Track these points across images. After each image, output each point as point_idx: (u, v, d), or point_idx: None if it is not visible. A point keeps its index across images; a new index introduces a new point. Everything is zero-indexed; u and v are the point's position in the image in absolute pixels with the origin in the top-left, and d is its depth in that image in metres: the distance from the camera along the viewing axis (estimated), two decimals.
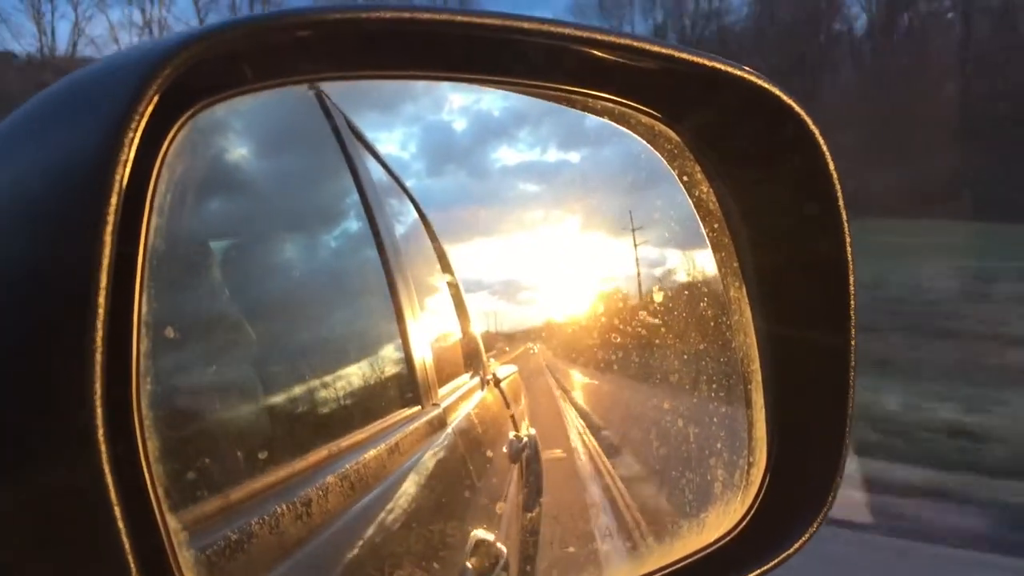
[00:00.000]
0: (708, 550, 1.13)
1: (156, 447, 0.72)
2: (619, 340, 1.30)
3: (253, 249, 1.18)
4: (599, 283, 1.42)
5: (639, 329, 1.30)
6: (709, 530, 1.17)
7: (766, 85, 1.02)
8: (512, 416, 1.54)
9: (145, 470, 0.70)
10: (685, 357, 1.30)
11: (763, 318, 1.18)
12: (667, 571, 1.09)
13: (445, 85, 1.31)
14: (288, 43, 0.79)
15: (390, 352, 1.43)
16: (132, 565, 0.66)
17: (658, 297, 1.35)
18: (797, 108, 1.02)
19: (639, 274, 1.38)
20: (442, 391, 1.50)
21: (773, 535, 1.09)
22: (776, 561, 1.04)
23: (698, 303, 1.30)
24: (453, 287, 1.53)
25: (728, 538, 1.14)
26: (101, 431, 0.67)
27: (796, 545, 1.04)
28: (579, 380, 1.43)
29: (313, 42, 0.81)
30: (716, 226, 1.22)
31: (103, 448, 0.67)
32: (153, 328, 0.74)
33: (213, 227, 1.01)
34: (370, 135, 1.47)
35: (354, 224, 1.48)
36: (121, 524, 0.67)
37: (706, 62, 1.00)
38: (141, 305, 0.72)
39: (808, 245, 1.10)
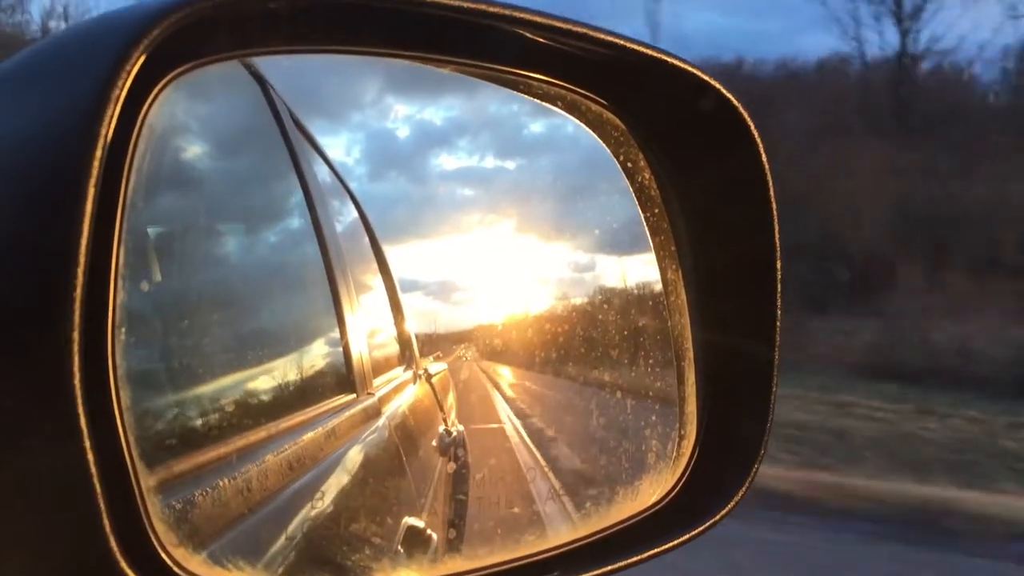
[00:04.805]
0: (641, 516, 1.15)
1: (127, 392, 0.71)
2: (556, 332, 1.32)
3: (199, 234, 1.17)
4: (532, 284, 1.44)
5: (575, 319, 1.33)
6: (643, 497, 1.19)
7: (709, 80, 1.05)
8: (442, 410, 1.54)
9: (118, 415, 0.69)
10: (626, 334, 1.32)
11: (697, 301, 1.21)
12: (603, 535, 1.10)
13: (391, 97, 1.33)
14: (263, 14, 0.79)
15: (329, 342, 1.43)
16: (102, 501, 0.65)
17: (594, 293, 1.37)
18: (738, 106, 1.06)
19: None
20: (377, 381, 1.50)
21: (700, 504, 1.12)
22: (702, 528, 1.06)
23: (636, 291, 1.33)
24: (390, 285, 1.54)
25: (659, 505, 1.17)
26: (78, 376, 0.65)
27: (721, 514, 1.07)
28: (512, 376, 1.44)
29: (283, 15, 0.81)
30: (656, 211, 1.24)
31: (79, 392, 0.65)
32: (128, 280, 0.73)
33: (185, 200, 1.00)
34: (318, 139, 1.48)
35: (297, 221, 1.48)
36: (94, 468, 0.66)
37: (652, 52, 1.03)
38: (119, 257, 0.71)
39: (741, 235, 1.14)
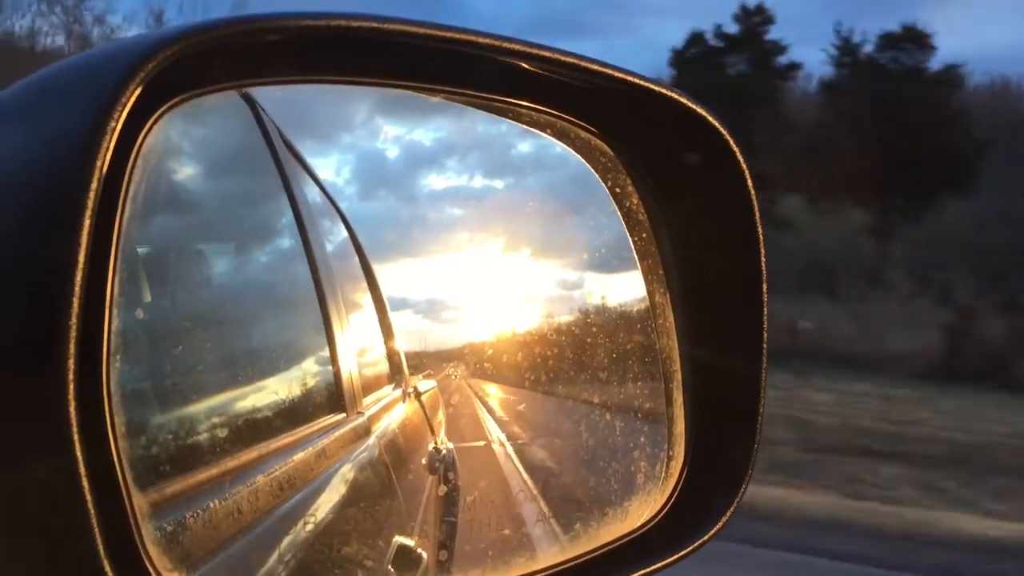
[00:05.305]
0: (630, 536, 1.16)
1: (121, 419, 0.71)
2: (545, 351, 1.33)
3: (190, 255, 1.18)
4: (521, 302, 1.44)
5: (564, 339, 1.34)
6: (632, 518, 1.20)
7: (694, 106, 1.07)
8: (431, 428, 1.54)
9: (112, 440, 0.70)
10: (614, 356, 1.33)
11: (684, 323, 1.22)
12: (593, 556, 1.11)
13: (380, 118, 1.35)
14: (259, 47, 0.80)
15: (319, 361, 1.43)
16: (94, 522, 0.65)
17: (583, 312, 1.38)
18: (723, 131, 1.07)
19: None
20: (366, 400, 1.50)
21: (689, 524, 1.13)
22: (691, 548, 1.07)
23: (625, 310, 1.34)
24: (379, 304, 1.54)
25: (649, 526, 1.17)
26: (73, 404, 0.66)
27: (710, 534, 1.08)
28: (501, 393, 1.45)
29: (277, 48, 0.83)
30: (644, 235, 1.26)
31: (74, 420, 0.66)
32: (123, 309, 0.73)
33: (177, 224, 1.01)
34: (308, 160, 1.49)
35: (288, 241, 1.48)
36: (89, 495, 0.66)
37: (637, 81, 1.04)
38: (114, 287, 0.72)
39: (728, 259, 1.15)
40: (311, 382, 1.39)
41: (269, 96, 1.26)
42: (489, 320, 1.42)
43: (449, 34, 0.86)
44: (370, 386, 1.53)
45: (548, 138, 1.23)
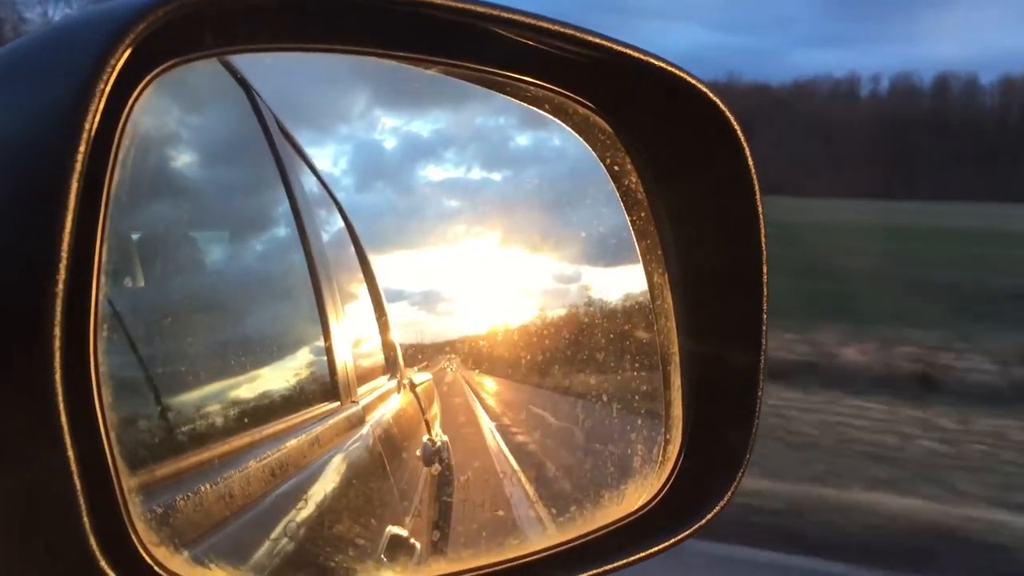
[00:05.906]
0: (626, 520, 1.14)
1: (109, 393, 0.69)
2: (541, 341, 1.31)
3: (183, 240, 1.16)
4: (517, 295, 1.43)
5: (562, 326, 1.32)
6: (628, 501, 1.17)
7: (696, 83, 1.05)
8: (426, 420, 1.53)
9: (99, 413, 0.67)
10: (612, 336, 1.31)
11: (683, 305, 1.20)
12: (588, 539, 1.09)
13: (378, 109, 1.33)
14: (250, 9, 0.78)
15: (314, 350, 1.42)
16: (80, 494, 0.63)
17: (579, 304, 1.37)
18: (725, 110, 1.06)
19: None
20: (361, 390, 1.49)
21: (686, 508, 1.11)
22: (688, 532, 1.05)
23: (623, 299, 1.33)
24: (375, 295, 1.53)
25: (645, 510, 1.15)
26: (59, 373, 0.64)
27: (707, 518, 1.06)
28: (496, 385, 1.43)
29: (270, 11, 0.81)
30: (643, 215, 1.24)
31: (60, 388, 0.64)
32: (112, 278, 0.71)
33: (170, 199, 0.99)
34: (305, 149, 1.47)
35: (284, 229, 1.47)
36: (74, 465, 0.64)
37: (639, 55, 1.02)
38: (102, 254, 0.70)
39: (728, 239, 1.13)
40: (305, 370, 1.38)
41: (265, 81, 1.24)
42: (485, 313, 1.40)
43: (446, 2, 0.84)
44: (365, 376, 1.52)
45: (546, 116, 1.21)
